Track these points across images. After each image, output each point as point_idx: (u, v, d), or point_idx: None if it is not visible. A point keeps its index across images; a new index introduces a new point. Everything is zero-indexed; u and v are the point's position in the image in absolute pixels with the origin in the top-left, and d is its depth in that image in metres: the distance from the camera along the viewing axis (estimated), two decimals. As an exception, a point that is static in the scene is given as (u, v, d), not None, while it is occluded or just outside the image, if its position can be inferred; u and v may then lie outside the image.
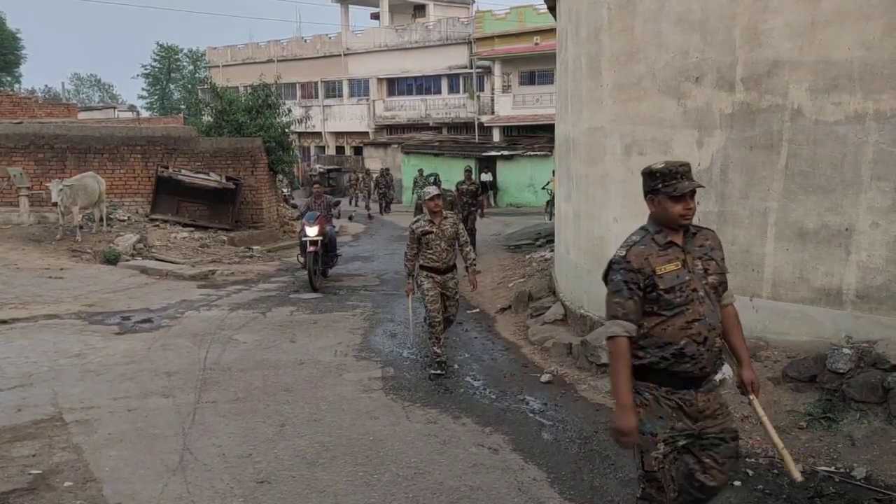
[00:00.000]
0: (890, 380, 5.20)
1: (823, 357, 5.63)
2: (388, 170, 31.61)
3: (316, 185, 14.27)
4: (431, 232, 7.36)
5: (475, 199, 16.35)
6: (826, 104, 5.76)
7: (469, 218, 15.30)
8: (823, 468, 4.92)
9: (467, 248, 7.62)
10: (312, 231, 11.87)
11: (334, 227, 13.41)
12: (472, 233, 14.62)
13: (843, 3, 5.63)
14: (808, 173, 5.90)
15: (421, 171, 28.54)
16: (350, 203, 31.71)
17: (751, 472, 4.97)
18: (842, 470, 4.87)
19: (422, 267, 7.48)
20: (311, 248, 11.81)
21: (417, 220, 7.52)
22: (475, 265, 7.71)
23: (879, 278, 5.63)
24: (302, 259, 12.31)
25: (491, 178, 31.98)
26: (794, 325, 6.09)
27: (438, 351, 7.38)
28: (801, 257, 6.00)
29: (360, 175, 33.78)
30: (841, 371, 5.45)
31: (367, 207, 29.96)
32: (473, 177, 30.13)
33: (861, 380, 5.34)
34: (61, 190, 13.92)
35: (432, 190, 7.56)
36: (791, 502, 4.57)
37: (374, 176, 32.28)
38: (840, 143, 5.71)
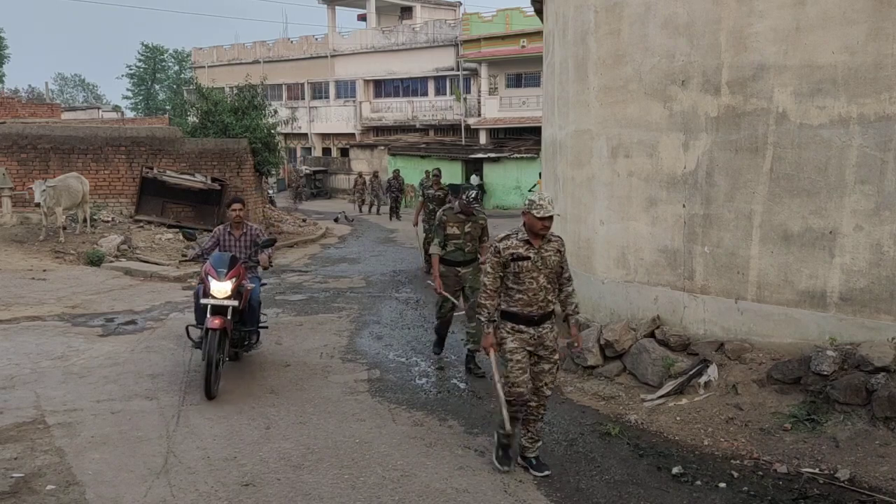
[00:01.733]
0: (873, 382, 5.24)
1: (808, 359, 5.66)
2: (398, 171, 29.78)
3: (235, 206, 7.47)
4: (528, 258, 4.88)
5: (443, 205, 12.48)
6: (811, 108, 5.81)
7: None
8: (808, 469, 4.95)
9: (570, 288, 5.16)
10: (220, 288, 6.56)
11: (260, 280, 7.73)
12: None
13: (828, 7, 5.67)
14: (793, 176, 5.94)
15: (428, 172, 27.64)
16: (357, 208, 30.32)
17: (735, 474, 4.99)
18: (826, 471, 4.90)
19: (503, 313, 5.02)
20: (213, 323, 6.38)
21: (507, 238, 4.96)
22: (577, 312, 5.29)
23: (863, 281, 5.67)
24: (196, 334, 6.94)
25: (479, 181, 31.90)
26: (779, 328, 6.13)
27: (509, 431, 5.03)
28: (786, 260, 6.04)
29: (368, 178, 31.75)
30: (825, 373, 5.49)
31: (377, 212, 28.78)
32: (471, 180, 29.78)
33: (845, 382, 5.38)
34: (44, 191, 13.79)
35: (546, 204, 4.84)
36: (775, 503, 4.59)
37: (387, 178, 30.22)
38: (824, 146, 5.76)
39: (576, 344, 5.41)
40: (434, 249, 7.38)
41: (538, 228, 4.89)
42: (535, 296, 4.93)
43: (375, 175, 31.82)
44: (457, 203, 7.38)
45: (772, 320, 6.17)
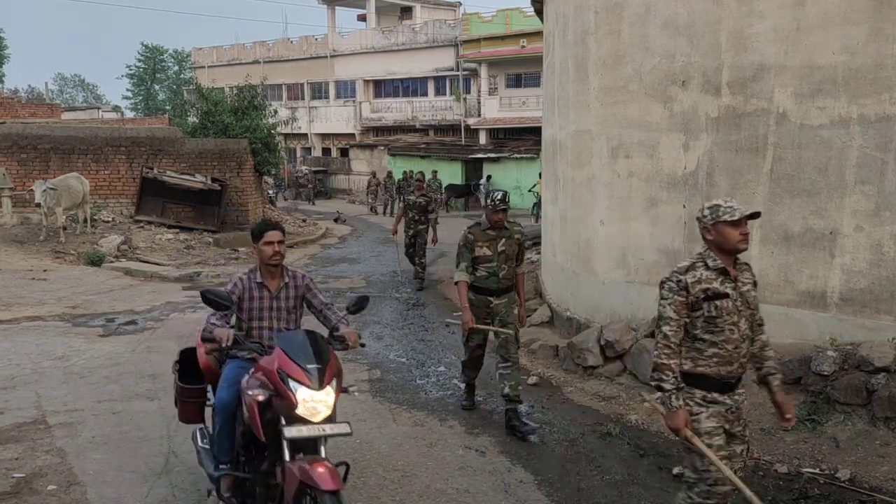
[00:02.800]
0: (874, 382, 5.24)
1: (808, 359, 5.67)
2: (411, 171, 27.64)
3: (272, 236, 4.15)
4: (726, 295, 3.52)
5: (425, 215, 12.32)
6: (811, 108, 5.81)
7: (416, 241, 12.36)
8: (808, 469, 4.95)
9: (764, 335, 3.76)
10: (317, 401, 3.53)
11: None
12: (420, 265, 12.39)
13: (828, 7, 5.68)
14: (793, 177, 5.95)
15: (435, 172, 26.60)
16: (370, 210, 29.58)
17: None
18: (826, 471, 4.91)
19: (687, 377, 3.63)
20: (323, 480, 3.30)
21: (693, 269, 3.58)
22: (779, 371, 3.87)
23: (863, 281, 5.68)
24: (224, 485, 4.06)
25: (484, 183, 31.73)
26: (779, 328, 6.12)
27: None
28: (786, 260, 6.04)
29: (383, 179, 30.65)
30: (825, 373, 5.49)
31: (392, 213, 26.82)
32: (461, 182, 28.97)
33: (845, 382, 5.38)
34: (45, 191, 13.80)
35: (733, 204, 3.57)
36: (776, 504, 4.60)
37: (397, 179, 28.95)
38: (824, 147, 5.76)
39: (788, 416, 3.70)
40: (461, 275, 5.91)
41: (735, 243, 3.51)
42: (735, 349, 3.52)
43: (389, 175, 31.04)
44: (483, 217, 6.05)
45: (772, 320, 6.12)
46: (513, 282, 6.03)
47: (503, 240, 5.90)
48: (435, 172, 27.49)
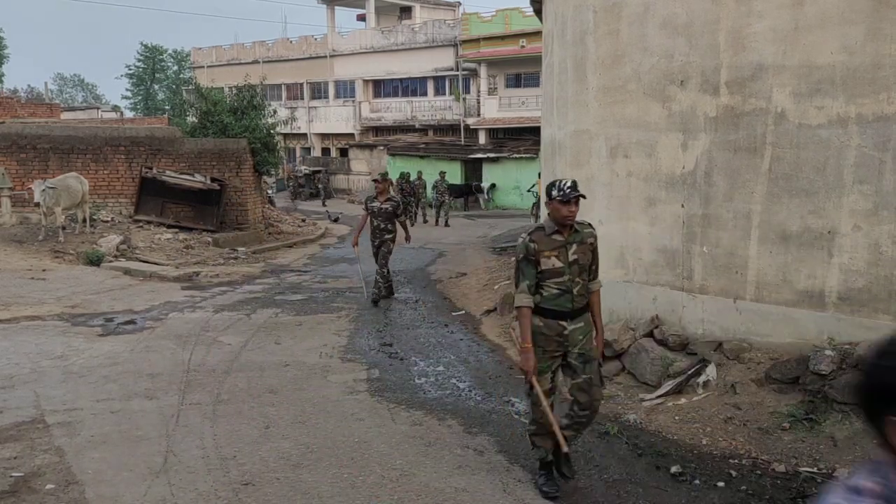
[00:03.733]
0: (871, 381, 5.24)
1: (806, 359, 5.67)
2: (420, 172, 27.28)
3: None
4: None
5: (392, 221, 10.92)
6: (809, 108, 5.81)
7: (381, 250, 10.86)
8: (806, 469, 4.96)
9: None
10: None
11: None
12: (384, 275, 10.93)
13: (826, 7, 5.68)
14: (792, 176, 5.95)
15: (443, 174, 25.92)
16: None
17: (734, 473, 5.00)
18: (824, 471, 4.91)
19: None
20: None
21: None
22: None
23: (861, 281, 5.68)
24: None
25: (479, 184, 31.64)
26: (778, 327, 6.14)
27: None
28: (785, 260, 6.05)
29: (396, 180, 26.71)
30: (823, 372, 5.50)
31: (424, 219, 25.47)
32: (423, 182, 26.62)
33: (843, 381, 5.38)
34: (44, 191, 13.81)
35: None
36: (774, 503, 4.60)
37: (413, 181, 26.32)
38: (823, 146, 5.77)
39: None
40: (523, 299, 4.55)
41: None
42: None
43: (443, 174, 28.43)
44: (543, 219, 4.89)
45: (770, 320, 6.18)
46: (587, 300, 4.75)
47: (574, 245, 4.56)
48: (443, 174, 26.43)
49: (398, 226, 11.05)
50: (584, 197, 4.46)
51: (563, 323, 4.57)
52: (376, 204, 10.84)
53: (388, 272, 11.13)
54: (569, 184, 4.47)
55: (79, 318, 9.53)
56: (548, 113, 9.71)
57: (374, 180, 10.84)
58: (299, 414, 6.14)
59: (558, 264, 4.51)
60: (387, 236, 10.85)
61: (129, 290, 11.69)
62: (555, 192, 4.46)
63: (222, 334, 8.87)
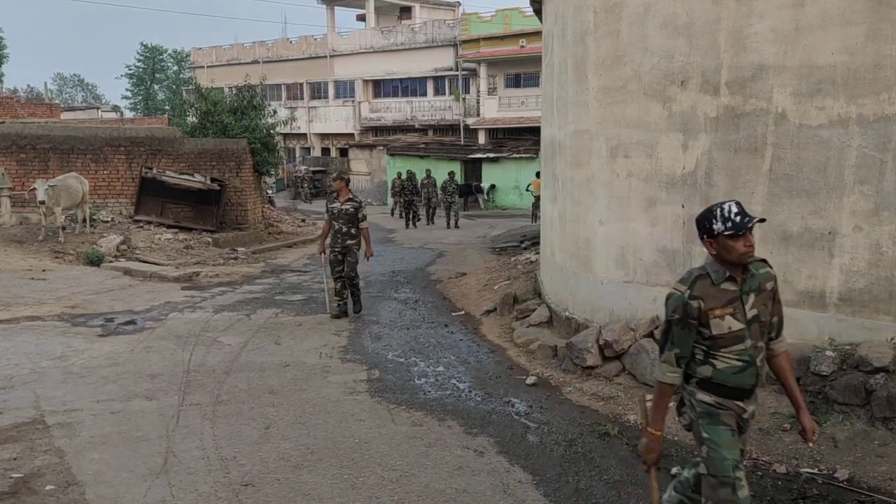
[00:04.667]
0: (872, 382, 5.24)
1: (807, 359, 5.67)
2: (429, 170, 26.64)
3: None
4: None
5: (355, 224, 9.79)
6: (810, 108, 5.81)
7: (347, 259, 9.79)
8: (807, 470, 4.95)
9: None
10: None
11: None
12: (352, 285, 9.98)
13: (827, 7, 5.68)
14: (792, 177, 5.95)
15: (452, 174, 25.03)
16: (392, 213, 27.63)
17: (735, 474, 4.99)
18: (825, 471, 4.91)
19: None
20: None
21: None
22: None
23: (862, 281, 5.68)
24: None
25: (479, 184, 31.65)
26: (778, 328, 6.12)
27: None
28: (785, 260, 6.04)
29: (402, 180, 26.07)
30: (824, 373, 5.49)
31: (431, 220, 25.22)
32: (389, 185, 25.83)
33: (844, 382, 5.38)
34: (47, 189, 13.82)
35: None
36: (775, 504, 4.59)
37: (421, 181, 25.96)
38: (823, 147, 5.76)
39: None
40: (669, 374, 3.52)
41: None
42: None
43: (422, 176, 27.36)
44: (704, 261, 3.50)
45: (771, 320, 6.17)
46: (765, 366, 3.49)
47: (752, 296, 3.36)
48: (452, 174, 25.33)
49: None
50: (763, 220, 3.32)
51: (742, 404, 3.42)
52: (336, 205, 9.78)
53: (357, 283, 10.18)
54: (735, 209, 3.25)
55: (79, 319, 9.53)
56: (548, 113, 9.70)
57: (333, 180, 10.13)
58: (299, 415, 6.14)
59: (736, 326, 3.31)
60: (349, 241, 9.77)
61: (129, 291, 11.68)
62: (718, 226, 3.26)
63: (222, 335, 8.86)
